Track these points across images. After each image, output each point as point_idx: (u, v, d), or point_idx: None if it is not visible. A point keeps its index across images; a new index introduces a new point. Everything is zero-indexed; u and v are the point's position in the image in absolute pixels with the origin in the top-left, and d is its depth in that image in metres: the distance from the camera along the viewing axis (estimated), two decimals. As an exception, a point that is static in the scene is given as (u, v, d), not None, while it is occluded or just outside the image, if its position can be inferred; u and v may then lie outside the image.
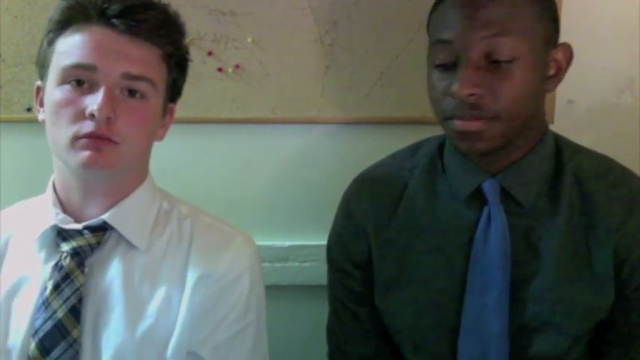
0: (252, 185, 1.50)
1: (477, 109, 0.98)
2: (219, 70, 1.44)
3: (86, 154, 0.94)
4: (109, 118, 0.93)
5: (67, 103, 0.95)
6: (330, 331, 1.22)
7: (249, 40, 1.43)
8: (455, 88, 0.98)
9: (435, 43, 1.03)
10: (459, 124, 1.00)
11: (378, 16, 1.43)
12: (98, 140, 0.94)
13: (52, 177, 1.04)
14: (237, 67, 1.44)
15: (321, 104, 1.46)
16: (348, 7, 1.43)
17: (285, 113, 1.46)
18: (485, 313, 1.04)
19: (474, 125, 0.99)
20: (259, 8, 1.43)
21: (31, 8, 1.42)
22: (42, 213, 1.02)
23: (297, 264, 1.49)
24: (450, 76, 1.00)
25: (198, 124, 1.45)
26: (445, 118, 1.03)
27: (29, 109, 1.43)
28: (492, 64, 0.98)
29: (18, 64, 1.43)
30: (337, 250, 1.19)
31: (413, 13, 1.42)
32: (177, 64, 1.04)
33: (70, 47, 0.96)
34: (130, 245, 1.01)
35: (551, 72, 1.04)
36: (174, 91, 1.06)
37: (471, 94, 0.98)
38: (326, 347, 1.23)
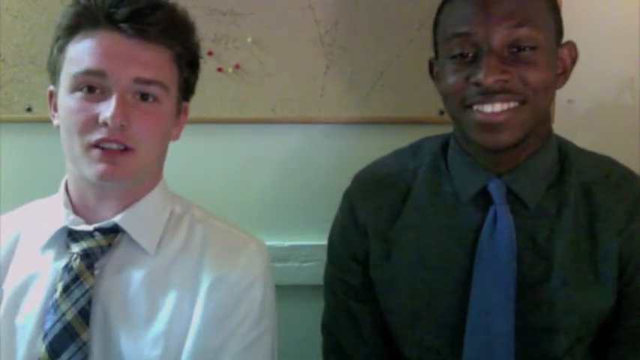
0: (252, 185, 1.50)
1: (504, 92, 0.98)
2: (219, 70, 1.44)
3: (102, 166, 0.93)
4: (122, 126, 0.92)
5: (80, 110, 0.94)
6: (326, 327, 1.21)
7: (249, 40, 1.43)
8: (480, 76, 0.97)
9: (451, 37, 1.02)
10: (481, 117, 1.00)
11: (378, 16, 1.43)
12: (112, 153, 0.93)
13: (65, 178, 1.04)
14: (237, 67, 1.44)
15: (321, 104, 1.46)
16: (349, 7, 1.43)
17: (285, 113, 1.46)
18: (491, 313, 1.04)
19: (499, 117, 0.99)
20: (259, 8, 1.43)
21: (31, 8, 1.41)
22: (53, 214, 1.02)
23: (297, 264, 1.48)
24: (469, 67, 1.00)
25: (198, 124, 1.44)
26: (466, 106, 1.01)
27: (29, 109, 1.43)
28: (514, 54, 0.98)
29: (18, 64, 1.43)
30: (341, 246, 1.18)
31: (413, 13, 1.42)
32: (188, 63, 1.02)
33: (80, 53, 0.95)
34: (141, 249, 1.00)
35: (559, 70, 1.05)
36: (187, 91, 1.05)
37: (497, 81, 0.97)
38: (326, 347, 1.23)
